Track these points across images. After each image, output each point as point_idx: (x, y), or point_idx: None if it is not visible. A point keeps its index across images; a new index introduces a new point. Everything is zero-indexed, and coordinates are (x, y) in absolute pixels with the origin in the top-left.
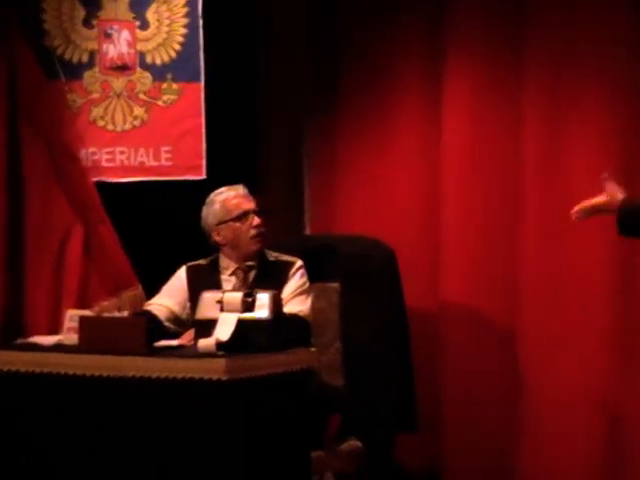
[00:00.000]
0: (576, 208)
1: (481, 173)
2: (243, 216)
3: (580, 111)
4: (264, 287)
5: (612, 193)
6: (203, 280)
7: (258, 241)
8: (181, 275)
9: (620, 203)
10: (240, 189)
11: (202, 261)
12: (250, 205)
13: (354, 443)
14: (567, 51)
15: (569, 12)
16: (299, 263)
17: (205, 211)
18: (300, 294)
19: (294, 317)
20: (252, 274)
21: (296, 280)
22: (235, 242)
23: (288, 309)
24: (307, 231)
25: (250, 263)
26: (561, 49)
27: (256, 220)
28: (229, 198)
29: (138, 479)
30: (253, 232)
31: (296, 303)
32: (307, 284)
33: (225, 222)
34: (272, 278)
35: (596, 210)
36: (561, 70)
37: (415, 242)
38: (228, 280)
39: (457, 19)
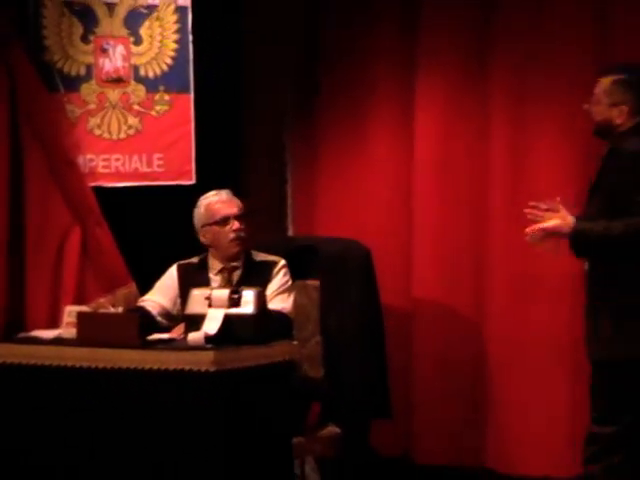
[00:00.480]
0: (529, 230)
1: (451, 177)
2: (223, 221)
3: (544, 118)
4: (250, 285)
5: (563, 217)
6: (193, 278)
7: (237, 244)
8: (172, 273)
9: (571, 228)
10: (224, 194)
11: (193, 259)
12: (231, 210)
13: (333, 429)
14: (532, 62)
15: (534, 24)
16: (282, 262)
17: (194, 213)
18: (283, 292)
19: (278, 313)
20: (238, 273)
21: (279, 279)
22: (216, 244)
23: (272, 306)
24: (290, 232)
25: (234, 264)
26: (526, 59)
27: (235, 225)
28: (212, 202)
29: (133, 462)
30: (232, 236)
31: (279, 301)
32: (289, 282)
33: (208, 225)
34: (257, 277)
35: (548, 234)
36: (527, 78)
37: (390, 242)
38: (215, 279)
39: (428, 31)
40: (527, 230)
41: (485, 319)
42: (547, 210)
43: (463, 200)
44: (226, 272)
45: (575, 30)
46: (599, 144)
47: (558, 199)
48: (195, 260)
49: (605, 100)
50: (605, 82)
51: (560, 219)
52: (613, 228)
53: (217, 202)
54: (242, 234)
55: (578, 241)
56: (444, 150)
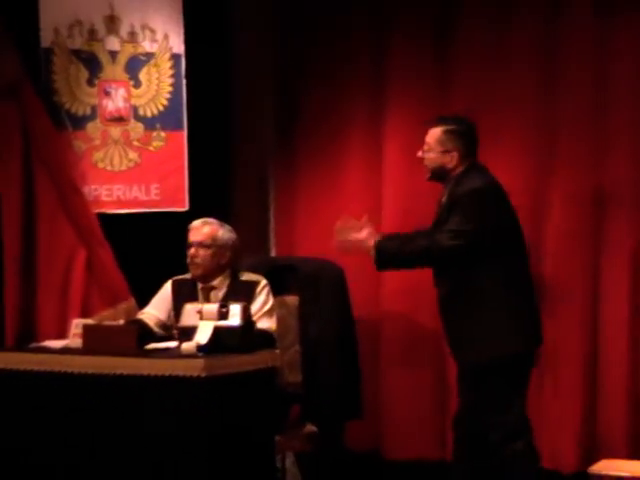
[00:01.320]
0: (338, 238)
1: (417, 203)
2: (189, 245)
3: (497, 150)
4: (234, 301)
5: (370, 233)
6: (184, 293)
7: (192, 268)
8: (167, 288)
9: (374, 243)
10: (199, 222)
11: (187, 275)
12: (194, 237)
13: (310, 428)
14: (485, 104)
15: (487, 73)
16: (264, 282)
17: None
18: (266, 313)
19: (264, 332)
20: (224, 290)
21: (262, 298)
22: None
23: (260, 325)
24: (273, 253)
25: (213, 283)
26: (480, 102)
27: (191, 251)
28: (189, 228)
29: (133, 458)
30: (188, 260)
31: (264, 321)
32: (271, 301)
33: (186, 247)
34: (241, 294)
35: (354, 246)
36: (482, 116)
37: (361, 262)
38: (200, 296)
39: (397, 74)
40: (338, 236)
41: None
42: (354, 226)
43: (427, 223)
44: (206, 291)
45: (525, 72)
46: (546, 182)
47: (365, 217)
48: (188, 277)
49: (438, 148)
50: (437, 132)
51: (367, 234)
52: (412, 244)
53: (190, 228)
54: (195, 260)
55: (379, 254)
56: (410, 178)
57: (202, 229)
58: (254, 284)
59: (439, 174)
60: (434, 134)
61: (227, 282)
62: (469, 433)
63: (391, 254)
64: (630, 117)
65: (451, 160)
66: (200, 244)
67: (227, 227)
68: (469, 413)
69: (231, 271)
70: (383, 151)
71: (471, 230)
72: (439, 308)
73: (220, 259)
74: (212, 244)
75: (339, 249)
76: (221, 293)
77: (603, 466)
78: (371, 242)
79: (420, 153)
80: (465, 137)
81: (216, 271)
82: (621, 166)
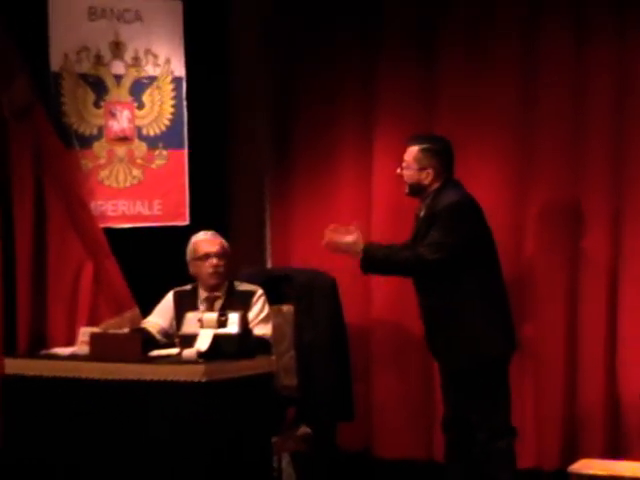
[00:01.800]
0: (328, 237)
1: (404, 217)
2: (204, 257)
3: (482, 166)
4: (232, 310)
5: (358, 238)
6: (185, 303)
7: (214, 277)
8: (169, 298)
9: (362, 247)
10: (209, 234)
11: (187, 286)
12: (212, 248)
13: (305, 429)
14: (469, 127)
15: (471, 95)
16: (260, 292)
17: (187, 249)
18: (263, 319)
19: (261, 339)
20: (221, 300)
21: (258, 306)
22: (199, 276)
23: (256, 332)
24: (269, 264)
25: (216, 293)
26: (465, 125)
27: (214, 261)
28: (198, 241)
29: (138, 458)
30: (210, 270)
31: (261, 328)
32: (267, 309)
33: (194, 260)
34: (238, 304)
35: (342, 248)
36: (466, 132)
37: (352, 272)
38: (202, 304)
39: (385, 96)
40: (327, 237)
41: None
42: (344, 230)
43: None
44: (210, 301)
45: (506, 90)
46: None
47: (355, 223)
48: (188, 287)
49: (414, 165)
50: (414, 150)
51: (355, 238)
52: (397, 255)
53: (202, 241)
54: (219, 269)
55: (365, 257)
56: (399, 192)
57: (216, 240)
58: (251, 293)
59: (416, 190)
60: (411, 152)
61: (225, 291)
62: (458, 434)
63: (377, 259)
64: (608, 132)
65: (427, 177)
66: (219, 254)
67: None
68: (456, 415)
69: (228, 281)
70: (373, 166)
71: (451, 243)
72: (421, 317)
73: (230, 268)
74: (226, 254)
75: (328, 248)
76: (220, 302)
77: (582, 465)
78: (359, 245)
79: (399, 170)
80: (440, 155)
81: (225, 282)
82: (598, 181)
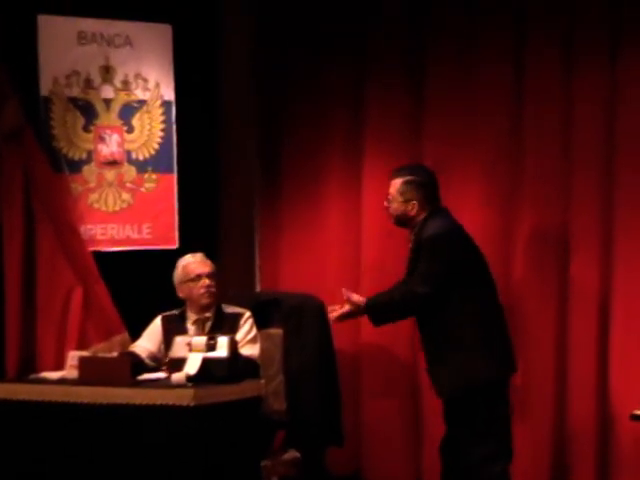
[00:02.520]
0: (334, 315)
1: (393, 242)
2: (196, 278)
3: (468, 186)
4: (220, 333)
5: (355, 301)
6: (173, 327)
7: (207, 297)
8: (157, 323)
9: (364, 307)
10: (198, 256)
11: (175, 311)
12: (203, 270)
13: (294, 453)
14: (455, 148)
15: (460, 105)
16: (247, 314)
17: (173, 273)
18: (250, 341)
19: (247, 359)
20: (209, 323)
21: (246, 329)
22: (191, 298)
23: (243, 352)
24: (257, 288)
25: (207, 314)
26: (451, 146)
27: (206, 282)
28: (188, 264)
29: None
30: (203, 290)
31: (248, 348)
32: (254, 331)
33: (184, 282)
34: (226, 326)
35: (346, 316)
36: (451, 156)
37: (341, 296)
38: (191, 328)
39: (374, 120)
40: (332, 316)
41: (419, 358)
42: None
43: (404, 260)
44: (200, 322)
45: (493, 118)
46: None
47: (343, 291)
48: (176, 312)
49: (399, 198)
50: (397, 183)
51: (352, 305)
52: (395, 295)
53: (192, 263)
54: (212, 289)
55: (372, 313)
56: (387, 218)
57: (206, 261)
58: (239, 316)
59: (403, 221)
60: (395, 185)
61: (214, 313)
62: (454, 458)
63: (380, 309)
64: (595, 159)
65: (412, 209)
66: (211, 274)
67: None
68: (452, 439)
69: (218, 304)
70: (361, 192)
71: (437, 273)
72: (421, 347)
73: (219, 290)
74: (216, 274)
75: (338, 323)
76: (210, 324)
77: None
78: (361, 304)
79: (385, 202)
80: (424, 187)
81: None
82: (587, 205)
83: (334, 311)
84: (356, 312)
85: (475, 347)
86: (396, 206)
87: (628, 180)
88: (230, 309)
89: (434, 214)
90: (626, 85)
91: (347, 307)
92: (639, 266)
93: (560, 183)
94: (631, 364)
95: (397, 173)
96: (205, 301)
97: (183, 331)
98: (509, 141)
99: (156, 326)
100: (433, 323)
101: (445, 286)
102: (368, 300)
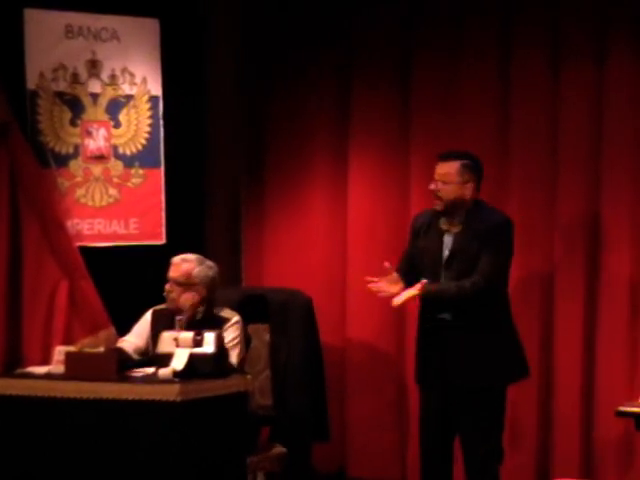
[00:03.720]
0: (394, 303)
1: (379, 235)
2: (167, 280)
3: None
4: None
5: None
6: (162, 322)
7: (168, 301)
8: (147, 317)
9: (420, 291)
10: (177, 259)
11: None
12: (171, 273)
13: (280, 449)
14: (442, 142)
15: (447, 102)
16: (235, 319)
17: None
18: (231, 348)
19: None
20: (196, 323)
21: (228, 333)
22: None
23: None
24: (244, 283)
25: (178, 317)
26: (438, 140)
27: (167, 286)
28: (170, 263)
29: (111, 476)
30: (165, 294)
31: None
32: (238, 338)
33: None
34: (211, 329)
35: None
36: (442, 148)
37: (327, 292)
38: (177, 324)
39: (359, 116)
40: (393, 303)
41: (405, 355)
42: (384, 278)
43: (389, 255)
44: (181, 322)
45: (479, 115)
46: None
47: (387, 265)
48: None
49: (457, 179)
50: (455, 165)
51: (418, 288)
52: (449, 289)
53: (171, 264)
54: (171, 295)
55: (429, 299)
56: (372, 213)
57: (180, 266)
58: (225, 320)
59: (455, 205)
60: (452, 167)
61: (200, 316)
62: (443, 461)
63: (437, 292)
64: (584, 157)
65: (469, 191)
66: (175, 281)
67: (207, 264)
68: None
69: (206, 306)
70: (347, 188)
71: (508, 261)
72: (427, 336)
73: (195, 296)
74: (185, 282)
75: (397, 304)
76: (193, 325)
77: None
78: (418, 291)
79: (433, 186)
80: (479, 170)
81: (193, 307)
82: (570, 202)
83: (383, 291)
84: (416, 294)
85: (516, 343)
86: (452, 188)
87: (613, 179)
88: (221, 312)
89: (481, 202)
90: (612, 85)
91: (414, 290)
92: (624, 261)
93: (546, 181)
94: (617, 361)
95: (452, 156)
96: (167, 305)
97: (171, 327)
98: (495, 139)
99: (145, 321)
100: (479, 312)
101: (508, 276)
102: (433, 286)
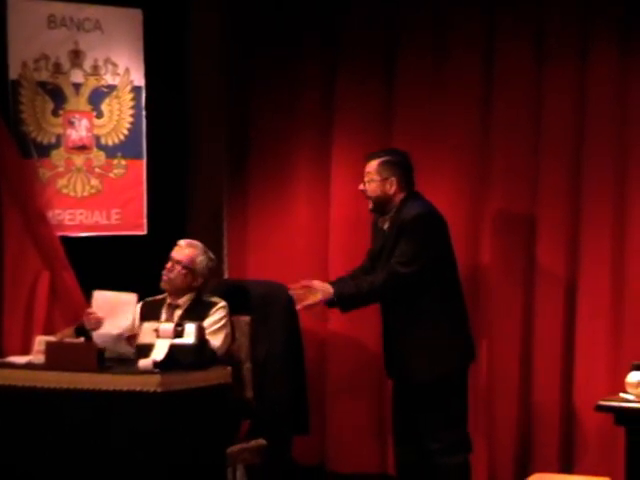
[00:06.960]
0: (299, 307)
1: (361, 231)
2: (168, 259)
3: (435, 183)
4: (190, 319)
5: (323, 290)
6: (150, 312)
7: (163, 280)
8: (137, 309)
9: (332, 295)
10: (183, 242)
11: (159, 296)
12: (174, 254)
13: (260, 441)
14: (424, 141)
15: (427, 111)
16: (221, 304)
17: None
18: (214, 331)
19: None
20: (180, 310)
21: (214, 318)
22: None
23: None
24: (225, 276)
25: (179, 301)
26: (421, 138)
27: (168, 265)
28: (175, 244)
29: (90, 468)
30: (164, 272)
31: (210, 338)
32: (223, 321)
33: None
34: (198, 313)
35: (316, 303)
36: (421, 152)
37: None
38: (164, 313)
39: (343, 110)
40: (298, 308)
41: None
42: (305, 287)
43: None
44: (171, 308)
45: (463, 106)
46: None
47: (308, 282)
48: (159, 297)
49: (377, 177)
50: (374, 163)
51: (320, 294)
52: (361, 287)
53: (176, 245)
54: (170, 274)
55: (341, 302)
56: (355, 208)
57: (185, 249)
58: (212, 304)
59: (381, 202)
60: (372, 166)
61: (189, 302)
62: (411, 450)
63: (350, 296)
64: (565, 149)
65: (391, 187)
66: (178, 262)
67: (209, 255)
68: (409, 431)
69: (197, 293)
70: (330, 181)
71: (421, 253)
72: (385, 334)
73: (192, 282)
74: (188, 266)
75: (304, 310)
76: (180, 311)
77: (535, 479)
78: (328, 289)
79: (361, 186)
80: (401, 166)
81: (185, 291)
82: (555, 195)
83: (299, 299)
84: (325, 295)
85: (451, 332)
86: (374, 186)
87: (595, 174)
88: (208, 298)
89: (412, 197)
90: (595, 81)
91: (319, 296)
92: (604, 257)
93: (528, 176)
94: (596, 355)
95: (373, 155)
96: (162, 283)
97: (157, 316)
98: (478, 129)
99: (136, 312)
100: (400, 308)
101: (427, 269)
102: (338, 287)
